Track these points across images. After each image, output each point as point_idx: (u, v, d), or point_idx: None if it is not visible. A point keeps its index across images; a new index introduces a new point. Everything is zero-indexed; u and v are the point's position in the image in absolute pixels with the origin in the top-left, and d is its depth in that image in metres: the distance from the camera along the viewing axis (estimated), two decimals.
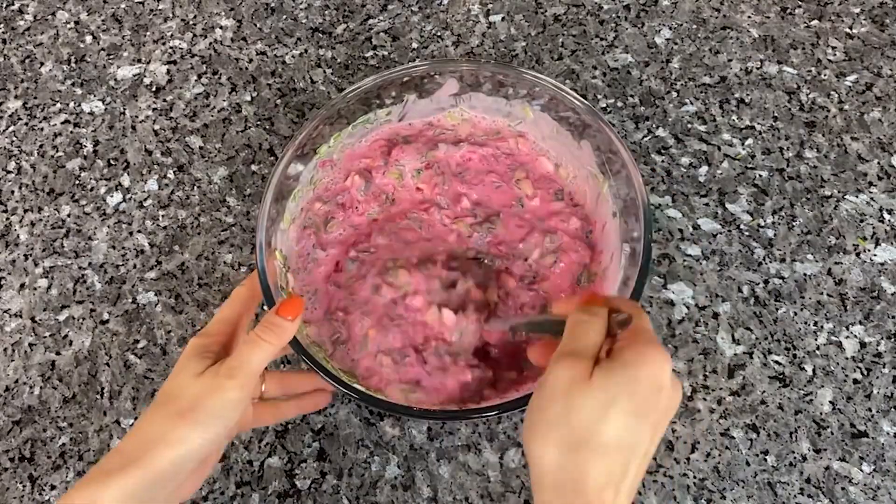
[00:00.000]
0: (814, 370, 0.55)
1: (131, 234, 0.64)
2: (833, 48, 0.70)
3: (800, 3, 0.73)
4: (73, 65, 0.74)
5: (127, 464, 0.37)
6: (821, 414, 0.54)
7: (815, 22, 0.72)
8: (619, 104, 0.68)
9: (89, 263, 0.63)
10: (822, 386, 0.55)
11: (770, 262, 0.60)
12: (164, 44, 0.75)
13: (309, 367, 0.44)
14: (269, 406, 0.48)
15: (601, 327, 0.37)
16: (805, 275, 0.59)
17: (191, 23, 0.76)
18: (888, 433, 0.53)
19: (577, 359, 0.35)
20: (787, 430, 0.53)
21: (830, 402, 0.54)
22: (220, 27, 0.75)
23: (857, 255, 0.60)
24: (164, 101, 0.71)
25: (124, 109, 0.71)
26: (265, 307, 0.45)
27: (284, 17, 0.76)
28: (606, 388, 0.34)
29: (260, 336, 0.41)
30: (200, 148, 0.68)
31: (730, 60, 0.70)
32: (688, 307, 0.58)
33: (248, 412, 0.45)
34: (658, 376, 0.34)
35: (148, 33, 0.75)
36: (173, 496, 0.40)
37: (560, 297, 0.51)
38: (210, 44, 0.74)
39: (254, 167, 0.67)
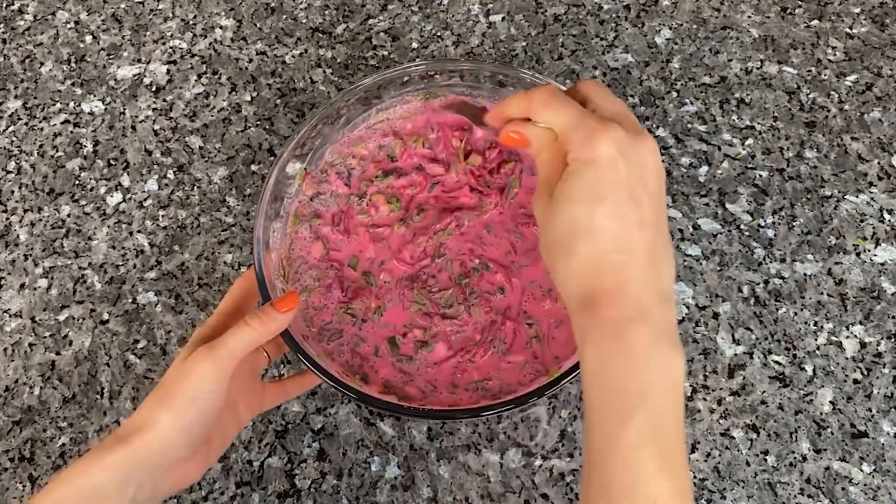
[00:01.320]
0: (814, 370, 0.55)
1: (131, 234, 0.64)
2: (833, 48, 0.70)
3: (800, 3, 0.73)
4: (73, 65, 0.74)
5: (116, 443, 0.38)
6: (821, 414, 0.54)
7: (815, 22, 0.72)
8: None
9: (89, 263, 0.63)
10: (822, 386, 0.55)
11: (770, 262, 0.60)
12: (164, 44, 0.75)
13: (307, 367, 0.44)
14: (274, 387, 0.49)
15: (540, 150, 0.37)
16: (805, 275, 0.59)
17: (191, 23, 0.76)
18: (888, 433, 0.53)
19: (539, 193, 0.37)
20: (787, 430, 0.53)
21: (830, 402, 0.54)
22: (220, 27, 0.75)
23: (857, 255, 0.60)
24: (164, 101, 0.71)
25: (124, 109, 0.71)
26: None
27: (284, 17, 0.76)
28: (559, 198, 0.35)
29: (248, 322, 0.41)
30: (200, 148, 0.68)
31: (730, 60, 0.70)
32: (688, 307, 0.58)
33: (258, 393, 0.46)
34: (599, 155, 0.34)
35: (148, 33, 0.75)
36: (168, 480, 0.40)
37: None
38: (210, 44, 0.74)
39: (254, 167, 0.67)
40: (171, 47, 0.74)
